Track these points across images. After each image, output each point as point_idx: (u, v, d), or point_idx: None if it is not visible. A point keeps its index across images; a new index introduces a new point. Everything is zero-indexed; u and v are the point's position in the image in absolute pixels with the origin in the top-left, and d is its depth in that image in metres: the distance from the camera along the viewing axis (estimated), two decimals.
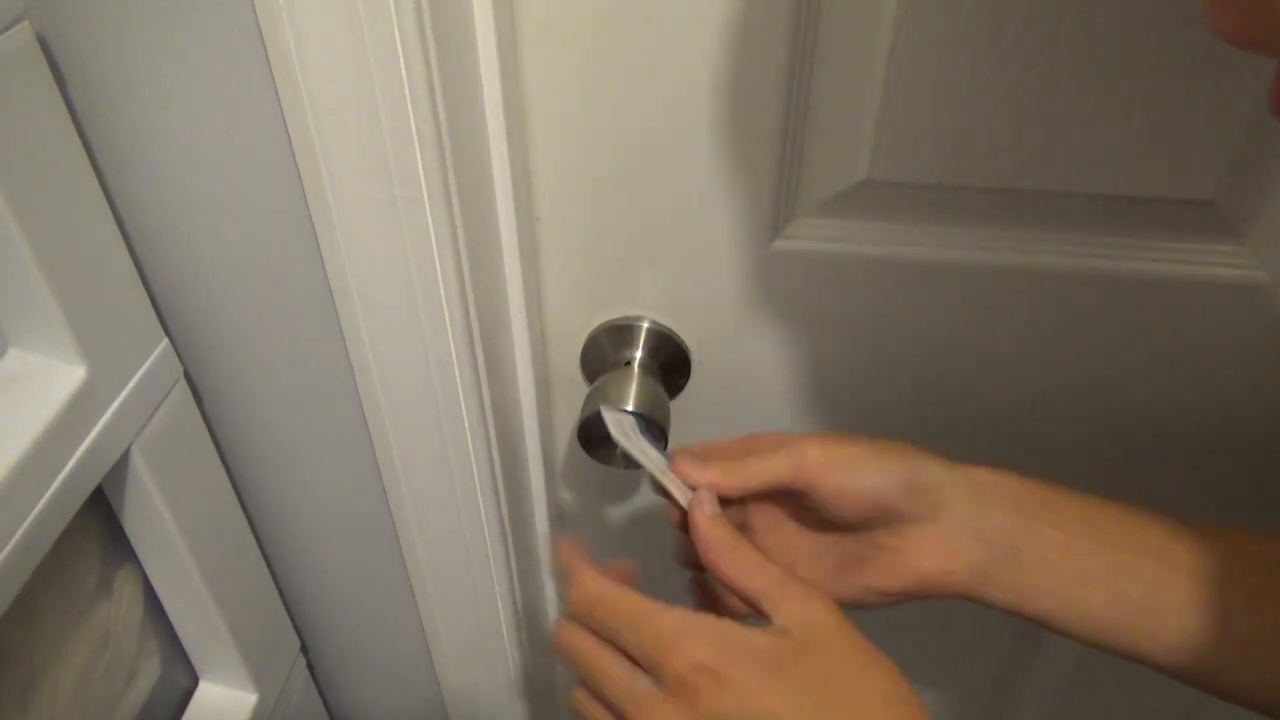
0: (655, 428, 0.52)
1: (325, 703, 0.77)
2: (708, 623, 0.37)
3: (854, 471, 0.42)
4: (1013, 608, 0.42)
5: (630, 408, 0.52)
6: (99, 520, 0.52)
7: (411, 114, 0.40)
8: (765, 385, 0.58)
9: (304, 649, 0.71)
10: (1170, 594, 0.40)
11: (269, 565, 0.65)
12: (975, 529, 0.42)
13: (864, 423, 0.59)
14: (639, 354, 0.57)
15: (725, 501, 0.43)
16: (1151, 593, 0.40)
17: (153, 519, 0.52)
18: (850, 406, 0.58)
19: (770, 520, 0.47)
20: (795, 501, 0.45)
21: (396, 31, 0.38)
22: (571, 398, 0.61)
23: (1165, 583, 0.40)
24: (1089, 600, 0.41)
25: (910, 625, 0.73)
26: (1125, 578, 0.40)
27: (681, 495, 0.44)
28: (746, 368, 0.57)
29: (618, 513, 0.68)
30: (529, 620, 0.68)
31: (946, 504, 0.42)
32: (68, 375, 0.44)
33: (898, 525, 0.43)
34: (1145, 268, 0.49)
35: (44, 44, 0.41)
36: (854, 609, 0.42)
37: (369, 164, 0.42)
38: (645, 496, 0.66)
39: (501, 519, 0.58)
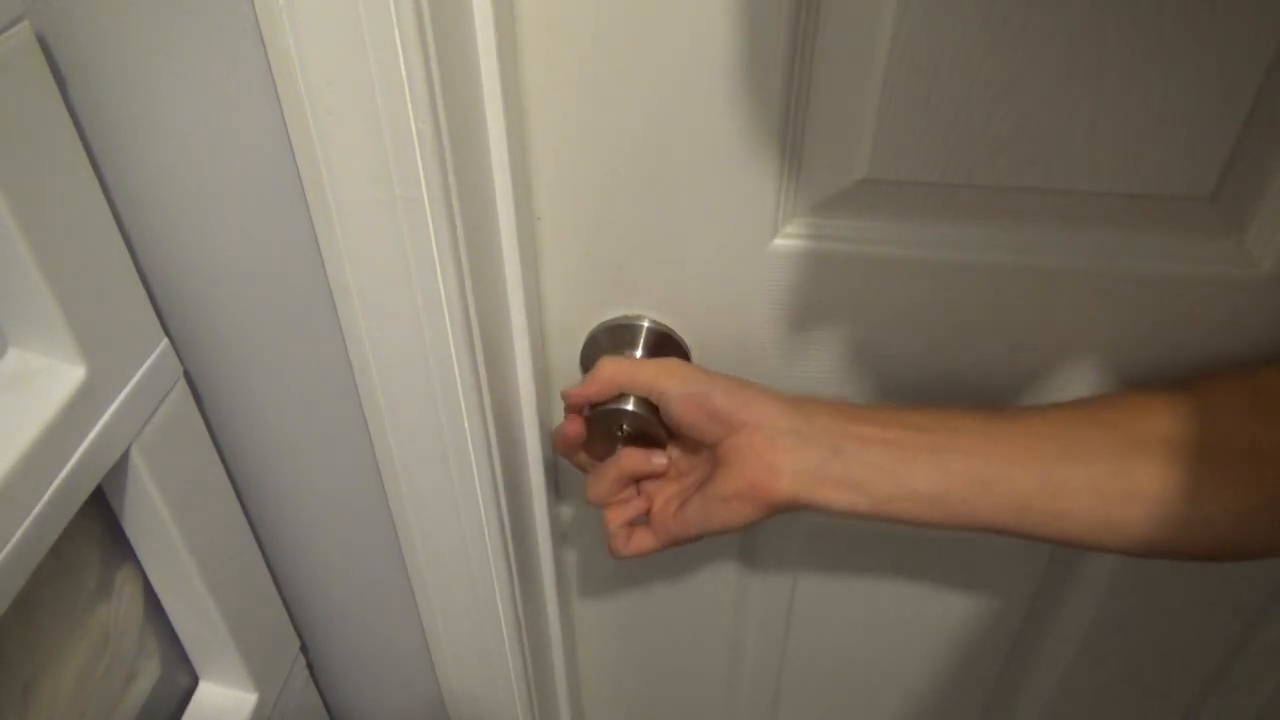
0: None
1: (325, 703, 0.77)
2: None
3: (691, 381, 0.50)
4: (851, 507, 0.47)
5: (630, 406, 0.52)
6: (99, 520, 0.52)
7: (411, 114, 0.40)
8: (765, 383, 0.58)
9: (304, 649, 0.71)
10: (995, 463, 0.45)
11: (269, 565, 0.65)
12: (797, 433, 0.47)
13: None
14: (639, 354, 0.57)
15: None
16: (971, 461, 0.45)
17: (153, 519, 0.52)
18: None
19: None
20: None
21: (396, 31, 0.38)
22: None
23: (986, 451, 0.46)
24: (915, 478, 0.46)
25: (915, 623, 0.74)
26: (946, 454, 0.46)
27: None
28: (747, 367, 0.57)
29: None
30: (529, 620, 0.68)
31: (770, 413, 0.48)
32: (68, 375, 0.44)
33: (731, 436, 0.48)
34: (1145, 266, 0.49)
35: (44, 44, 0.41)
36: (719, 529, 0.49)
37: (369, 164, 0.42)
38: None
39: (501, 518, 0.58)
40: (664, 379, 0.50)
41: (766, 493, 0.47)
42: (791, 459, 0.47)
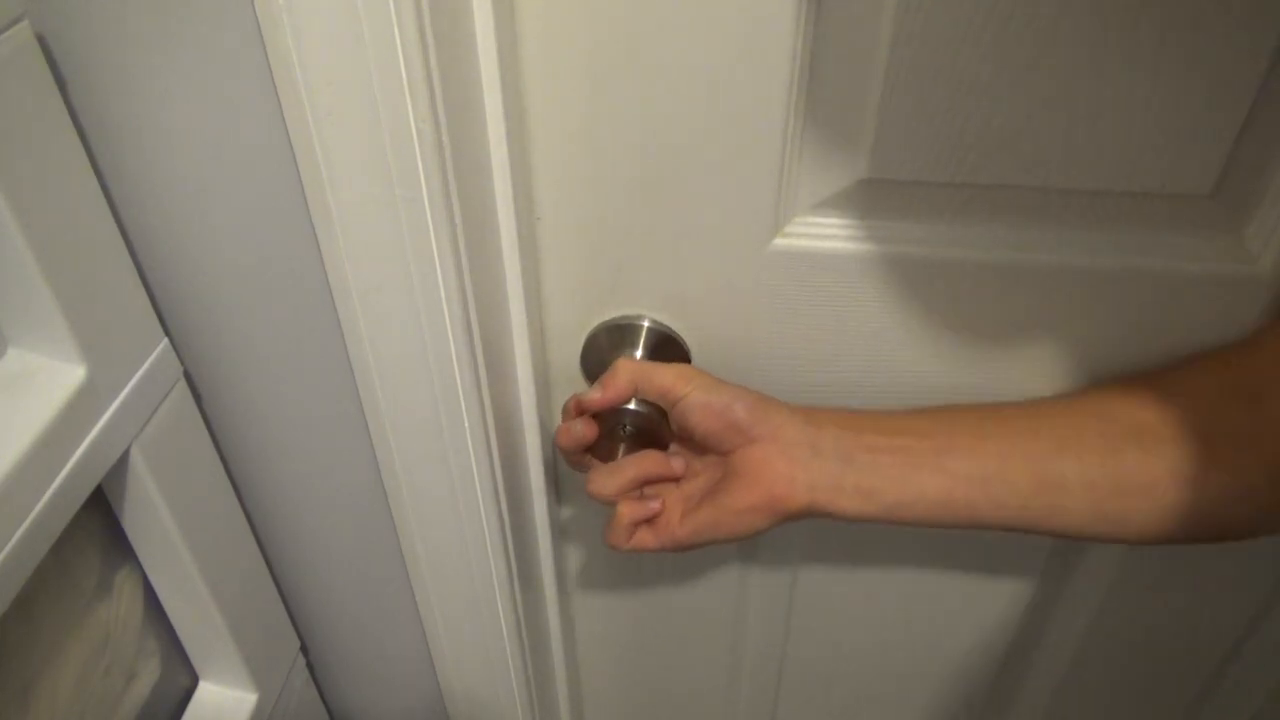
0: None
1: (325, 703, 0.77)
2: None
3: (712, 390, 0.50)
4: (862, 514, 0.48)
5: (637, 406, 0.52)
6: (99, 520, 0.52)
7: (411, 114, 0.40)
8: (766, 384, 0.58)
9: (304, 649, 0.71)
10: (991, 462, 0.47)
11: (269, 565, 0.65)
12: (811, 445, 0.49)
13: None
14: (639, 353, 0.57)
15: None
16: (970, 461, 0.47)
17: (153, 519, 0.52)
18: (850, 405, 0.58)
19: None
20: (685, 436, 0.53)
21: (396, 31, 0.38)
22: None
23: (982, 450, 0.47)
24: (922, 484, 0.47)
25: (916, 622, 0.74)
26: (947, 456, 0.48)
27: None
28: (747, 366, 0.57)
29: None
30: (529, 620, 0.68)
31: (785, 426, 0.49)
32: (68, 375, 0.44)
33: (746, 448, 0.49)
34: (1145, 263, 0.49)
35: (44, 44, 0.41)
36: (727, 538, 0.50)
37: (369, 164, 0.42)
38: None
39: (501, 518, 0.58)
40: (683, 385, 0.50)
41: (784, 503, 0.48)
42: (808, 471, 0.48)
